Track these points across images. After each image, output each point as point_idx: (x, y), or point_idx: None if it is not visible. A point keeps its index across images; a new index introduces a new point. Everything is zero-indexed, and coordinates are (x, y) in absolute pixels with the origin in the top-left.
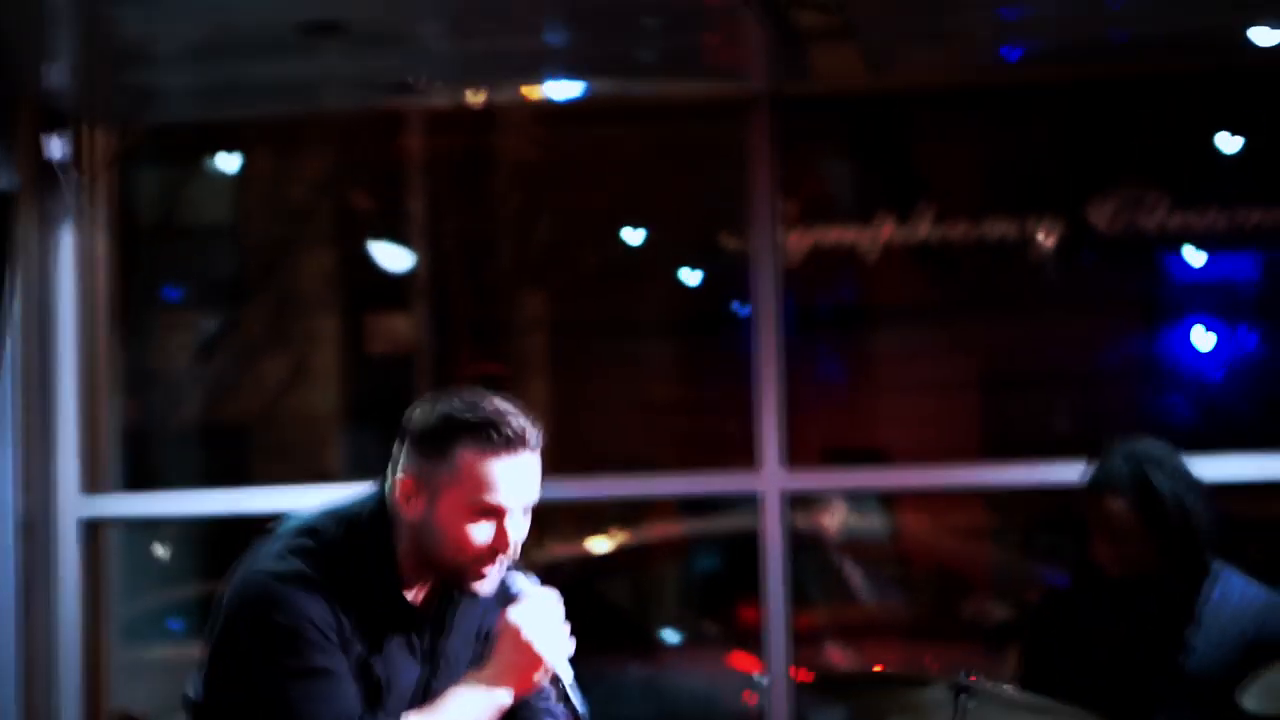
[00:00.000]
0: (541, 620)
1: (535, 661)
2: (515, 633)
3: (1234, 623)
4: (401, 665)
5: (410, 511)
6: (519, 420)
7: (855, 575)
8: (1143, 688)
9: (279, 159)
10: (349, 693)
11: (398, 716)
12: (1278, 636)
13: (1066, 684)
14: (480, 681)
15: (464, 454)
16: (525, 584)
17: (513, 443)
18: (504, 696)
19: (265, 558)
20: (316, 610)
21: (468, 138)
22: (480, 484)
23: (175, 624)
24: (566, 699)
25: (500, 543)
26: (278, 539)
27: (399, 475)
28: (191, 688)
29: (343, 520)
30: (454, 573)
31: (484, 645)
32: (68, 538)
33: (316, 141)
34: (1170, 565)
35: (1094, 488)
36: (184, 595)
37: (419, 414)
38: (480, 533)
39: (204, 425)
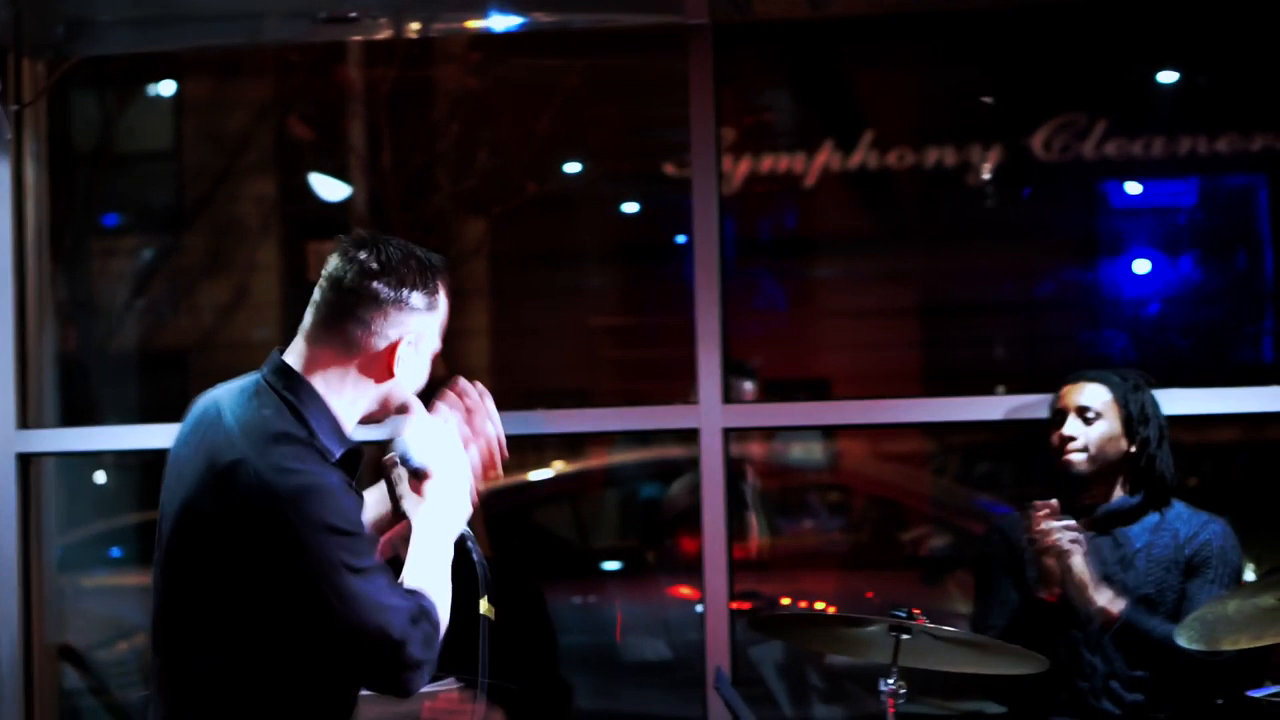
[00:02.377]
0: (442, 438)
1: (464, 477)
2: (437, 459)
3: (1182, 549)
4: None
5: (402, 372)
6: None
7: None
8: (1083, 612)
9: (218, 87)
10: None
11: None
12: (1208, 556)
13: (1016, 613)
14: (434, 519)
15: (442, 293)
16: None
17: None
18: (459, 521)
19: (279, 458)
20: (353, 504)
21: (407, 68)
22: (444, 318)
23: (115, 552)
24: (467, 554)
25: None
26: (267, 437)
27: (386, 341)
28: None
29: (285, 410)
30: (393, 410)
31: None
32: (3, 472)
33: (256, 70)
34: (1129, 479)
35: (1084, 377)
36: (122, 523)
37: (366, 274)
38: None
39: (142, 354)
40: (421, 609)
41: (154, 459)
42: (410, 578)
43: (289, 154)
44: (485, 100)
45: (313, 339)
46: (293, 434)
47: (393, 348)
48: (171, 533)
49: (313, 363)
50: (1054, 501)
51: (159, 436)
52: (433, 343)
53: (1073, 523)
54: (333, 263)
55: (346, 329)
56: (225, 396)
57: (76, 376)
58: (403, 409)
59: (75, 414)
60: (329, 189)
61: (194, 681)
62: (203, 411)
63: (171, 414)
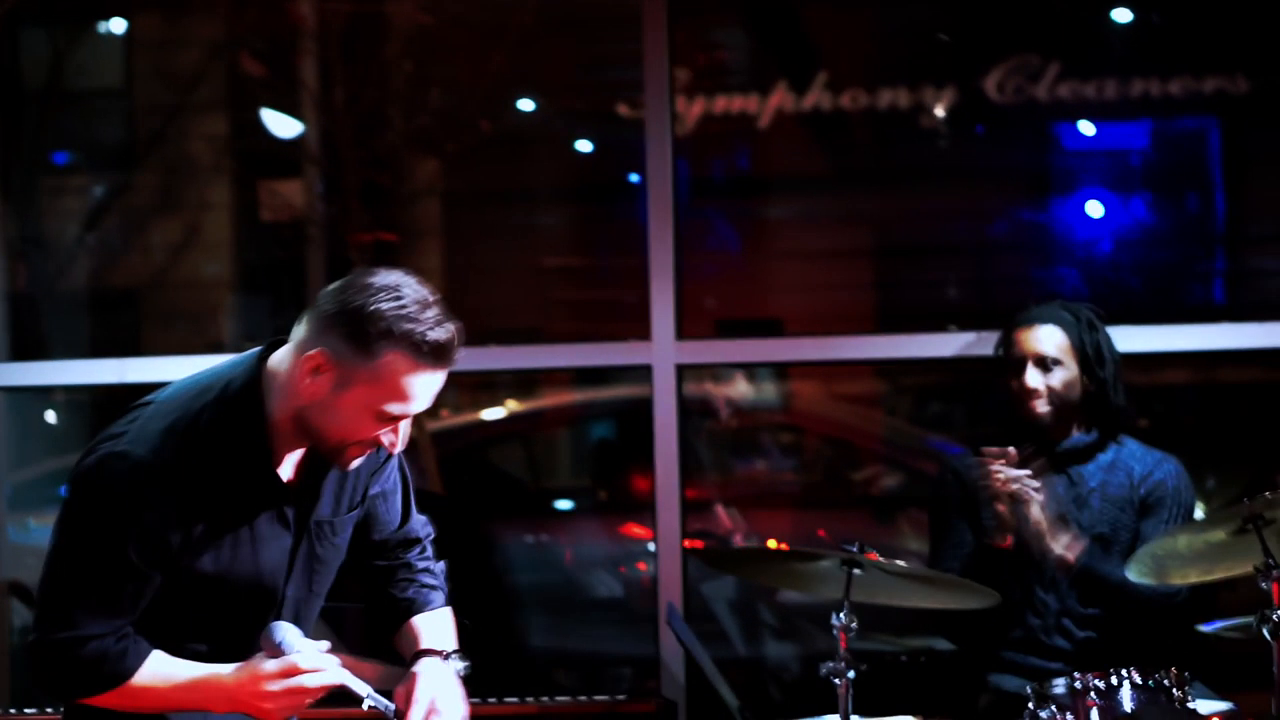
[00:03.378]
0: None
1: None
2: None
3: (1135, 486)
4: (270, 535)
5: (308, 391)
6: (449, 332)
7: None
8: (1037, 549)
9: (168, 23)
10: (130, 593)
11: (252, 592)
12: (1161, 495)
13: (969, 548)
14: (224, 679)
15: (390, 359)
16: (292, 637)
17: (441, 359)
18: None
19: (127, 435)
20: (154, 502)
21: (360, 4)
22: (397, 392)
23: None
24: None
25: (392, 443)
26: (140, 416)
27: (306, 350)
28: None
29: (209, 393)
30: (331, 451)
31: (359, 508)
32: None
33: (207, 7)
34: (1084, 417)
35: (1037, 319)
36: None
37: (345, 296)
38: (375, 429)
39: (93, 292)
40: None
41: (104, 397)
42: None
43: (241, 91)
44: (439, 37)
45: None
46: None
47: (318, 361)
48: None
49: None
50: (1011, 450)
51: (109, 371)
52: (365, 400)
53: (1028, 472)
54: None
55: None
56: None
57: (26, 314)
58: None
59: (25, 351)
60: (281, 126)
61: None
62: None
63: (122, 351)
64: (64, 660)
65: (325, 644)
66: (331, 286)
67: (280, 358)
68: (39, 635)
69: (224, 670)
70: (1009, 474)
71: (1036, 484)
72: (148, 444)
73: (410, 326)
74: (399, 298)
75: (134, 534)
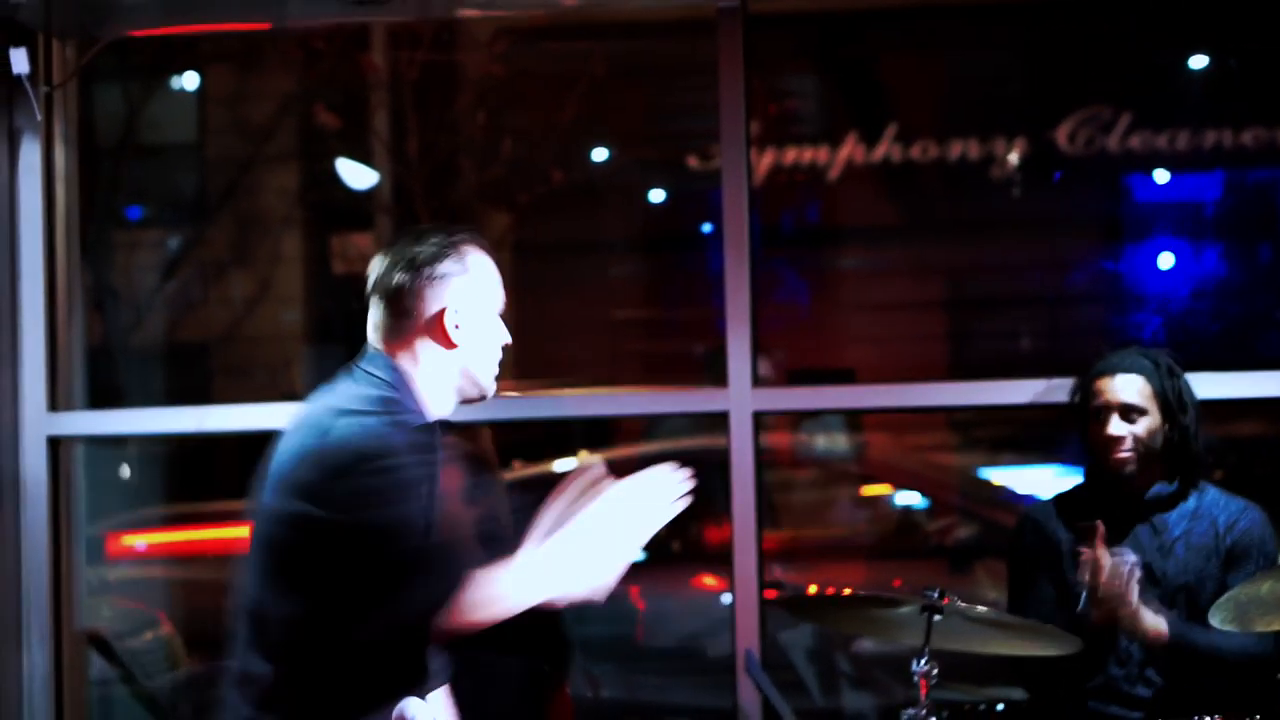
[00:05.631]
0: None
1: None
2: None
3: (1217, 534)
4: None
5: (453, 341)
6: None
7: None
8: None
9: (242, 76)
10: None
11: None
12: (1248, 544)
13: (1051, 602)
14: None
15: (474, 257)
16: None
17: (482, 240)
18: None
19: (370, 424)
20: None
21: (433, 54)
22: (491, 281)
23: (140, 545)
24: None
25: (508, 336)
26: (367, 411)
27: (435, 310)
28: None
29: (383, 394)
30: (482, 385)
31: None
32: (34, 455)
33: (279, 58)
34: (1166, 465)
35: (1118, 366)
36: (148, 516)
37: (401, 266)
38: (502, 331)
39: (167, 344)
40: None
41: (177, 451)
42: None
43: (313, 143)
44: (511, 87)
45: (384, 338)
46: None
47: (440, 318)
48: None
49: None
50: (1100, 526)
51: (185, 420)
52: (485, 304)
53: (1130, 557)
54: (370, 277)
55: (400, 322)
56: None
57: (102, 366)
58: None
59: (102, 403)
60: (354, 177)
61: None
62: None
63: (196, 403)
64: None
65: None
66: (382, 283)
67: (395, 358)
68: None
69: None
70: (1114, 564)
71: (1135, 563)
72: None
73: (453, 233)
74: (418, 231)
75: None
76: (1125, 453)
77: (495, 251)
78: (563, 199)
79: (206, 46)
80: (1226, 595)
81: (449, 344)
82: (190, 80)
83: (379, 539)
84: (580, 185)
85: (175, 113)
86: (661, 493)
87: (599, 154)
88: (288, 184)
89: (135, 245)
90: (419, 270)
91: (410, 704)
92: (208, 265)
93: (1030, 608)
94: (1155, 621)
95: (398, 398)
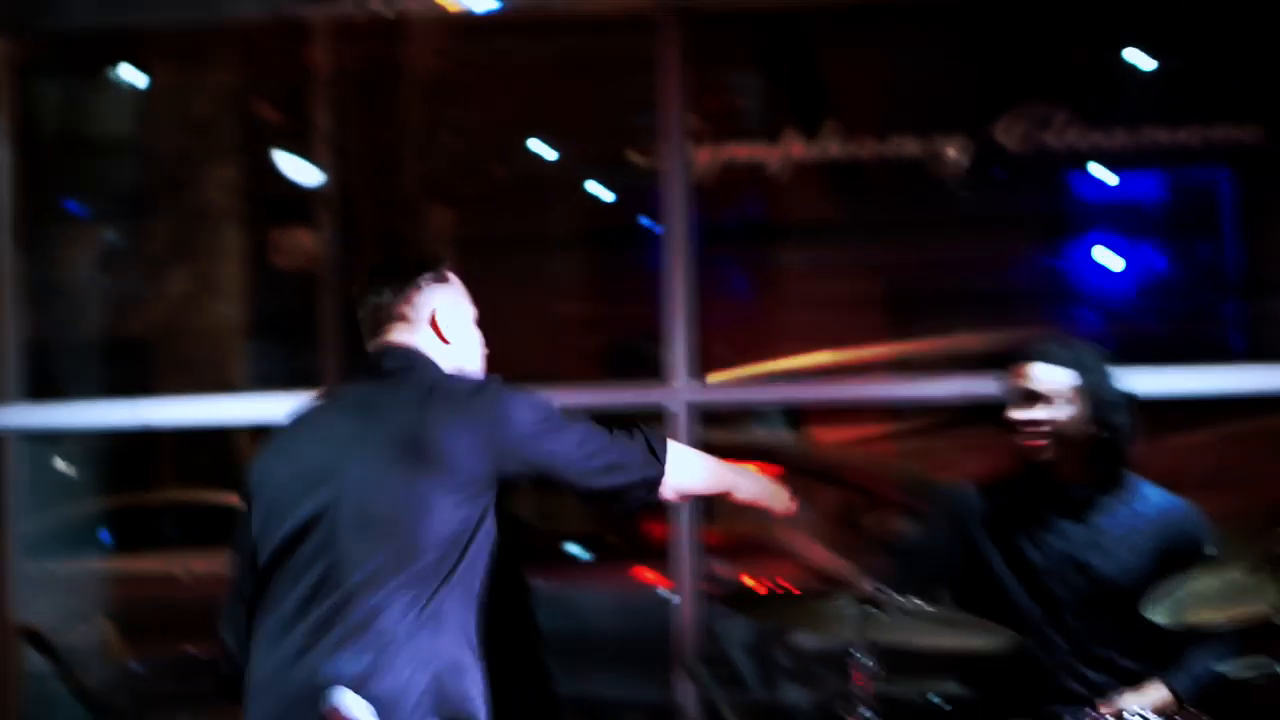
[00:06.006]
0: None
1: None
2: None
3: (1149, 530)
4: None
5: (448, 339)
6: None
7: None
8: (1054, 595)
9: (183, 71)
10: None
11: None
12: (1189, 543)
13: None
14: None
15: (452, 273)
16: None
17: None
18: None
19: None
20: None
21: (375, 49)
22: (465, 291)
23: (78, 539)
24: None
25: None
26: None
27: (429, 317)
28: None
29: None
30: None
31: None
32: None
33: (221, 53)
34: (1095, 459)
35: (1036, 355)
36: (87, 511)
37: (399, 280)
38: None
39: (107, 338)
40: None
41: (117, 445)
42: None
43: (255, 138)
44: (453, 82)
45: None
46: None
47: (433, 319)
48: None
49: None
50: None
51: (124, 413)
52: (465, 310)
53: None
54: (363, 308)
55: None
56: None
57: (40, 360)
58: None
59: (41, 396)
60: (296, 172)
61: None
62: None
63: (135, 396)
64: None
65: None
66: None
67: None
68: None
69: None
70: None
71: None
72: None
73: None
74: (385, 263)
75: None
76: (1037, 439)
77: (438, 247)
78: (505, 194)
79: (147, 40)
80: (1163, 590)
81: (446, 343)
82: (131, 74)
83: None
84: (523, 180)
85: (116, 106)
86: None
87: (541, 149)
88: (229, 178)
89: (74, 239)
90: (400, 292)
91: (343, 694)
92: (148, 259)
93: (905, 562)
94: (1159, 694)
95: None
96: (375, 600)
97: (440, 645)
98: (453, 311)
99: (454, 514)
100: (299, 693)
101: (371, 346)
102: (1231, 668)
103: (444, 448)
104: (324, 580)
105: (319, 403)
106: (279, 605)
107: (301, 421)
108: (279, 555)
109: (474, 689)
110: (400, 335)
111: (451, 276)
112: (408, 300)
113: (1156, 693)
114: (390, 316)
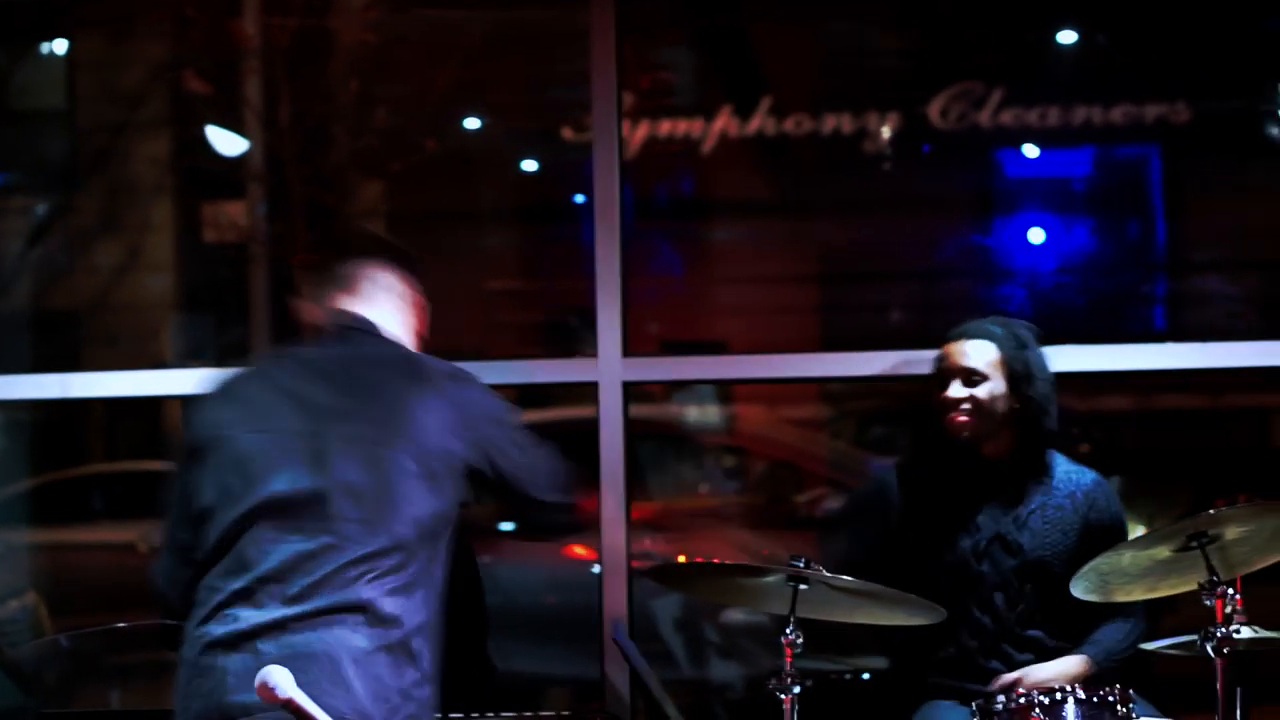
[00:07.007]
0: None
1: None
2: None
3: (1071, 507)
4: None
5: (422, 325)
6: None
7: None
8: (981, 575)
9: (112, 43)
10: None
11: None
12: (1111, 518)
13: (896, 567)
14: None
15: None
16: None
17: None
18: None
19: None
20: None
21: (306, 20)
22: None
23: (4, 513)
24: None
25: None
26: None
27: (416, 303)
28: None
29: None
30: None
31: None
32: None
33: (151, 25)
34: (1015, 435)
35: (965, 333)
36: (14, 487)
37: (363, 257)
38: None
39: (34, 311)
40: None
41: (45, 416)
42: None
43: (185, 111)
44: (384, 55)
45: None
46: None
47: (388, 294)
48: None
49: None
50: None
51: (52, 386)
52: (416, 294)
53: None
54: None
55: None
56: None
57: None
58: None
59: None
60: (226, 144)
61: None
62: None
63: (64, 370)
64: None
65: None
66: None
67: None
68: None
69: None
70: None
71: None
72: None
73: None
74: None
75: None
76: (962, 416)
77: (367, 220)
78: (436, 168)
79: (77, 11)
80: (1088, 566)
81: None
82: (60, 45)
83: None
84: (453, 154)
85: (45, 78)
86: None
87: (472, 123)
88: (158, 151)
89: (3, 211)
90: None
91: (273, 671)
92: (77, 232)
93: (841, 544)
94: (1075, 667)
95: None
96: (360, 572)
97: (419, 618)
98: (404, 293)
99: (439, 491)
100: (277, 662)
101: (317, 311)
102: (1158, 645)
103: (428, 425)
104: (312, 553)
105: (270, 361)
106: (251, 569)
107: (256, 377)
108: (250, 517)
109: (437, 653)
110: (351, 304)
111: (408, 259)
112: (365, 272)
113: (1068, 663)
114: (344, 284)
